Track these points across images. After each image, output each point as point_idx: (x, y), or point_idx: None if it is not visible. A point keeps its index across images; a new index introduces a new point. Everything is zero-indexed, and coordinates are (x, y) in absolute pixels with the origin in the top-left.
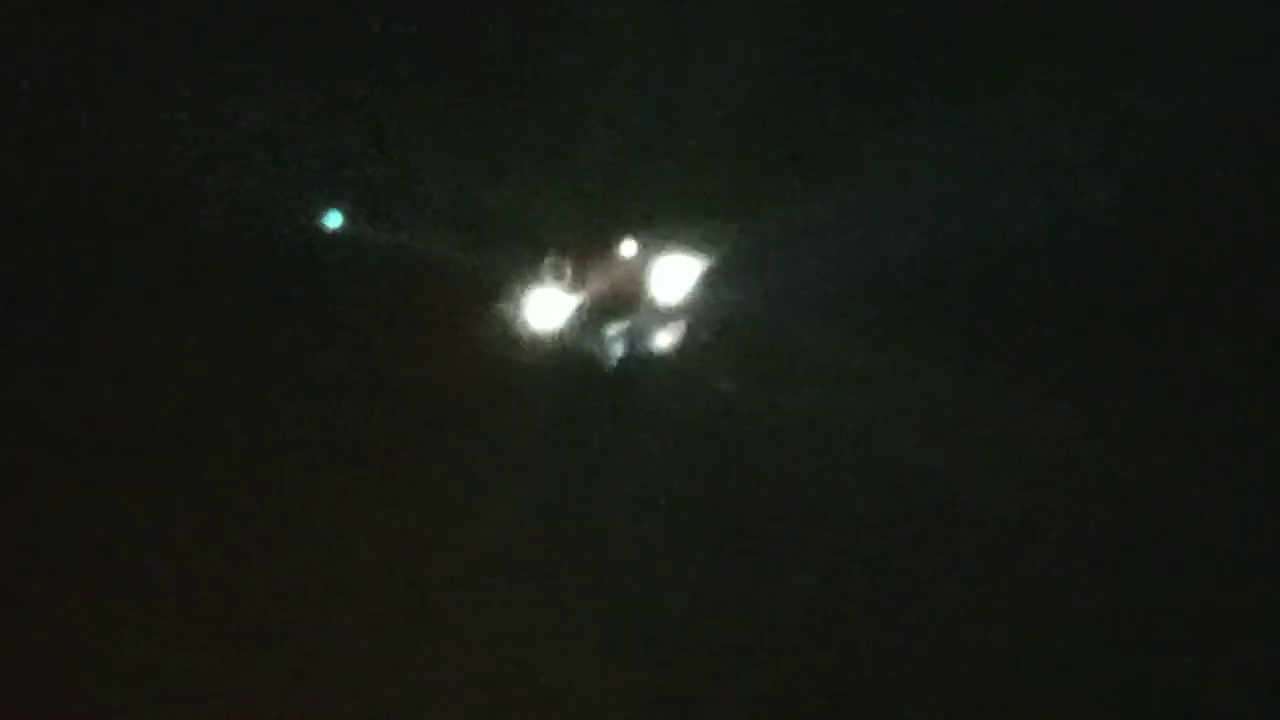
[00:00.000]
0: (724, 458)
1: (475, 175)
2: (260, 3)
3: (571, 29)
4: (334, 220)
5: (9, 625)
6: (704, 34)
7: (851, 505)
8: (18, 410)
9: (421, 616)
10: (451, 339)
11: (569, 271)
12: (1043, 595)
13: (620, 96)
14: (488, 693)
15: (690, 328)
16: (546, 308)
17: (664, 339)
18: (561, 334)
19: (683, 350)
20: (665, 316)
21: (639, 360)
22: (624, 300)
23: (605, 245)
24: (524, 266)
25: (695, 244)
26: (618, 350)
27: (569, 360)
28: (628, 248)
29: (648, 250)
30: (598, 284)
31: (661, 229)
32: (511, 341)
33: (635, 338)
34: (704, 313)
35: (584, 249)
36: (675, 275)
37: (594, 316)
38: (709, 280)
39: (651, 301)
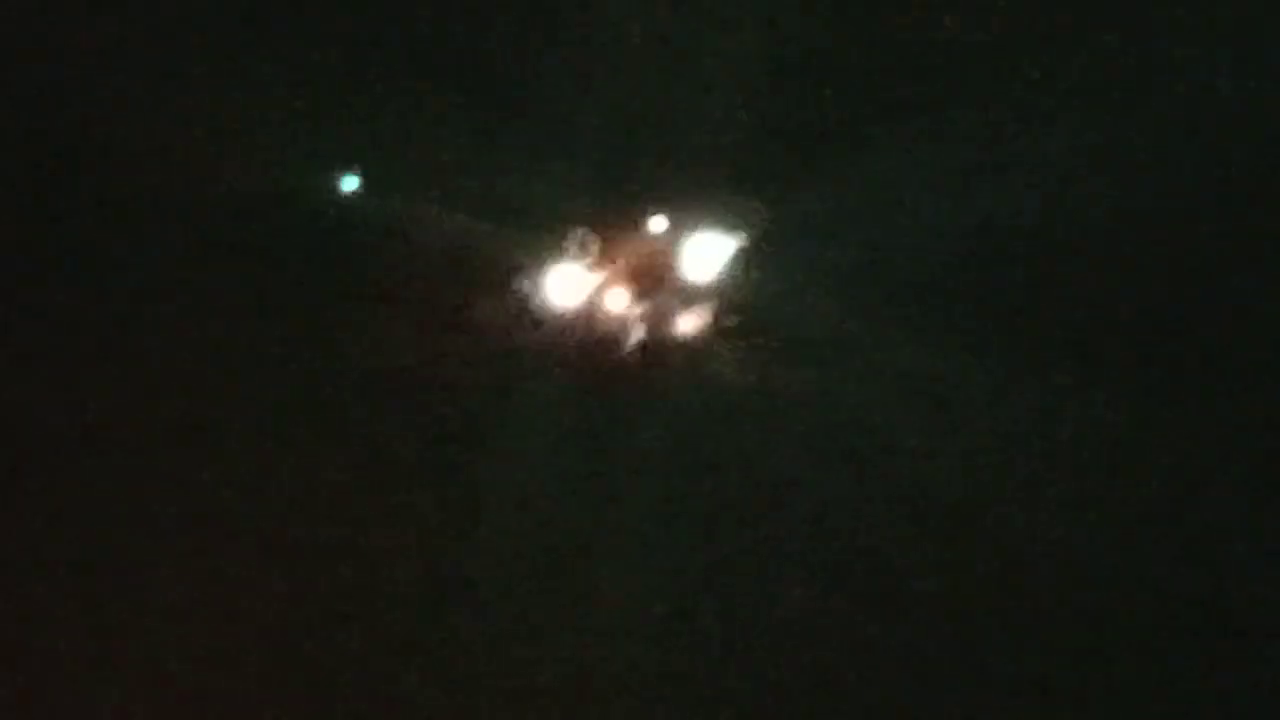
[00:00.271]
0: (745, 445)
1: (496, 156)
2: None
3: (600, 4)
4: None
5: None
6: (738, 11)
7: (876, 497)
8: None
9: (436, 608)
10: (468, 321)
11: (592, 251)
12: (1073, 592)
13: (649, 74)
14: (504, 685)
15: (714, 311)
16: (567, 289)
17: (687, 322)
18: (581, 315)
19: (706, 334)
20: (689, 299)
21: (660, 343)
22: (647, 282)
23: (629, 226)
24: (545, 247)
25: (722, 226)
26: (639, 332)
27: (589, 342)
28: (652, 228)
29: (673, 231)
30: (620, 265)
31: (687, 210)
32: (530, 323)
33: (658, 320)
34: (729, 296)
35: (607, 229)
36: (701, 257)
37: (615, 298)
38: (735, 263)
39: (675, 283)
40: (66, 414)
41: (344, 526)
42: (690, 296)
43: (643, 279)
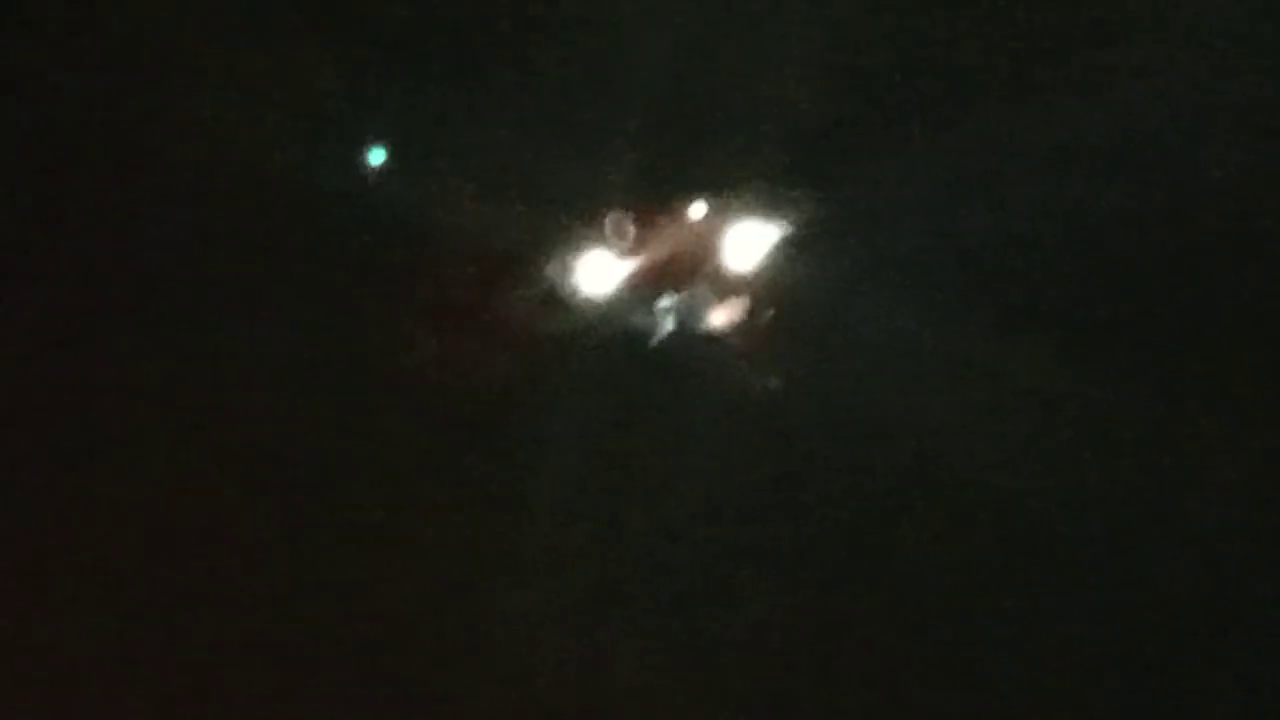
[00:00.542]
0: (783, 446)
1: (527, 134)
2: None
3: None
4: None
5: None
6: None
7: (920, 500)
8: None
9: (452, 614)
10: (491, 311)
11: (628, 236)
12: (1117, 594)
13: (695, 51)
14: (524, 691)
15: (753, 303)
16: (597, 277)
17: (723, 315)
18: (611, 306)
19: (743, 327)
20: (726, 290)
21: (694, 337)
22: (681, 271)
23: (664, 211)
24: (577, 232)
25: (764, 213)
26: (671, 325)
27: (618, 335)
28: (689, 214)
29: (711, 218)
30: (653, 252)
31: (728, 195)
32: (556, 315)
33: (692, 312)
34: (770, 288)
35: (641, 214)
36: (741, 246)
37: (648, 288)
38: (777, 253)
39: (712, 273)
40: (66, 405)
41: (360, 522)
42: (729, 287)
43: (680, 267)
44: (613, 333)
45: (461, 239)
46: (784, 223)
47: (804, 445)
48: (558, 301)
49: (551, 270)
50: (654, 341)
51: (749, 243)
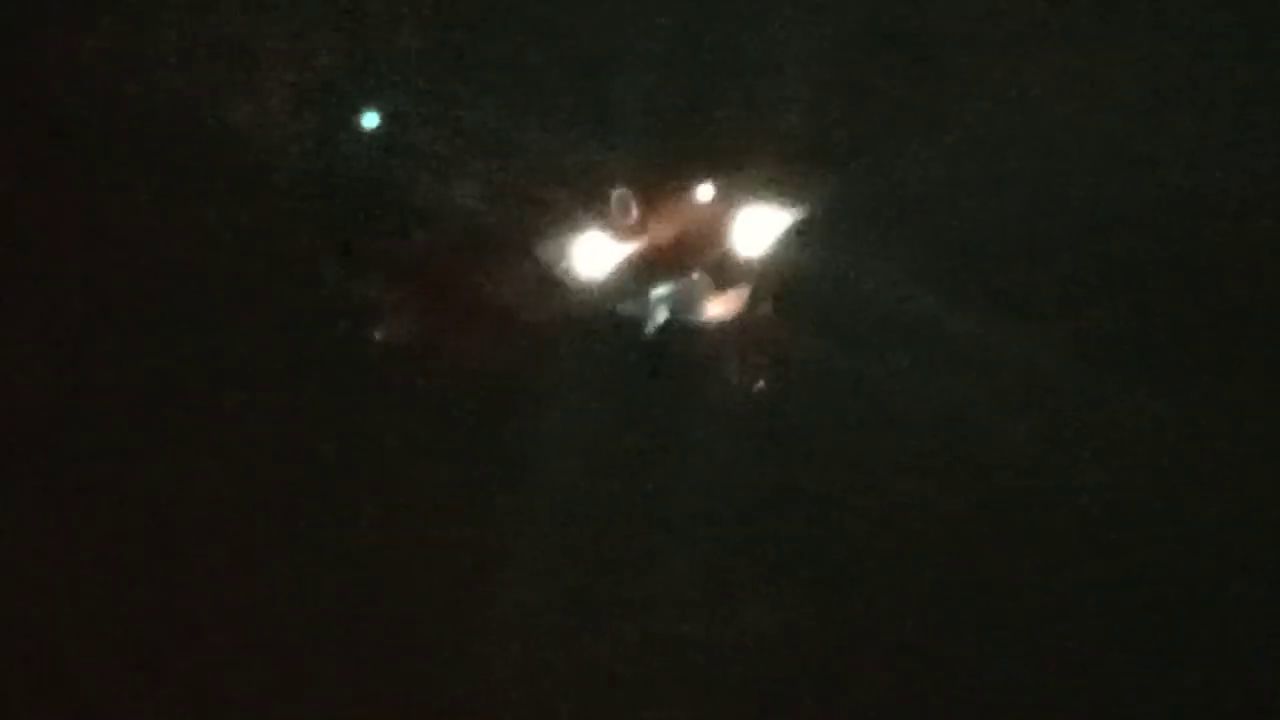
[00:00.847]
0: (792, 440)
1: (527, 106)
2: None
3: None
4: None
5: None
6: None
7: (940, 496)
8: None
9: (447, 612)
10: (489, 295)
11: (632, 214)
12: (1141, 584)
13: (710, 23)
14: (518, 690)
15: (758, 290)
16: (599, 261)
17: (727, 301)
18: (614, 290)
19: (747, 314)
20: (730, 275)
21: (700, 324)
22: (687, 255)
23: (671, 191)
24: (578, 209)
25: (777, 194)
26: (676, 311)
27: (620, 320)
28: (698, 195)
29: (721, 200)
30: (659, 234)
31: (739, 175)
32: (558, 299)
33: (697, 298)
34: (775, 274)
35: (645, 197)
36: (746, 231)
37: (652, 271)
38: (783, 238)
39: (717, 259)
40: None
41: (348, 513)
42: (734, 272)
43: (684, 252)
44: (615, 318)
45: (462, 223)
46: (791, 207)
47: (807, 435)
48: (559, 286)
49: (552, 254)
50: (656, 327)
51: (755, 228)
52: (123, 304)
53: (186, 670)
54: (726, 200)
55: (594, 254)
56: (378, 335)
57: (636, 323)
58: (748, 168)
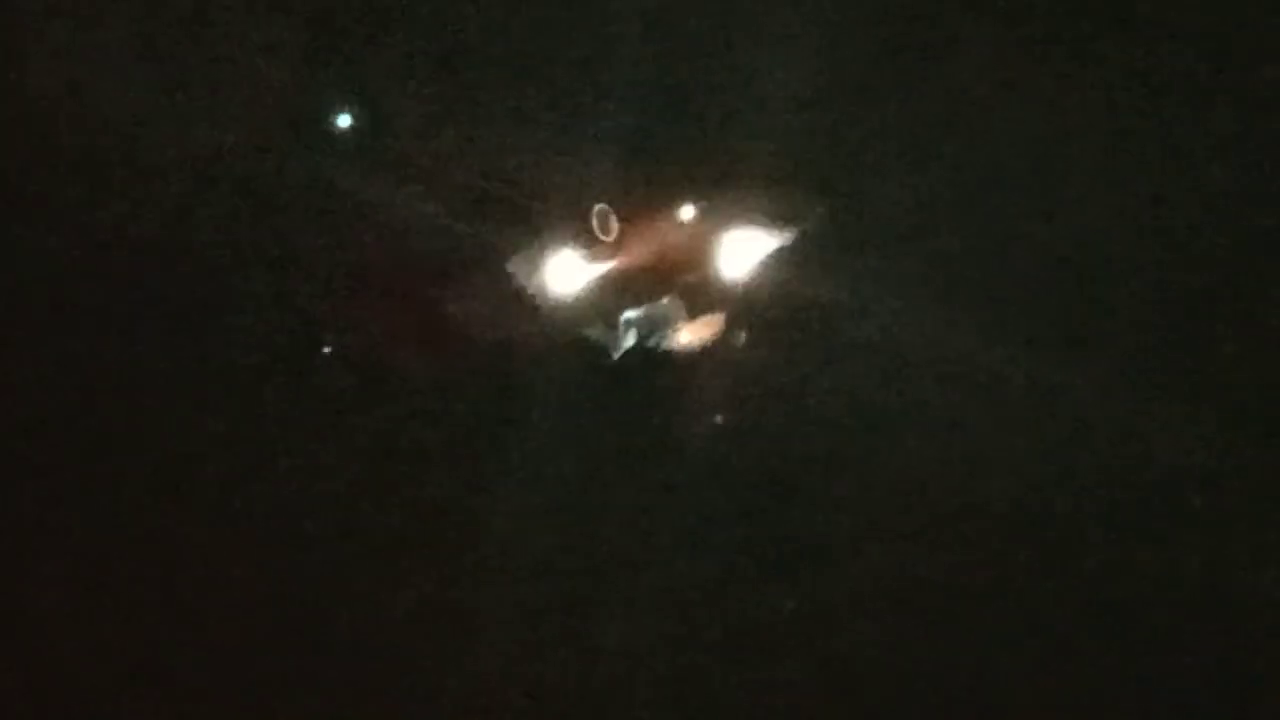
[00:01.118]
0: (775, 466)
1: (506, 131)
2: None
3: None
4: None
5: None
6: None
7: (929, 521)
8: None
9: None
10: (467, 316)
11: (612, 231)
12: (1151, 609)
13: (698, 33)
14: (499, 698)
15: (743, 311)
16: (575, 275)
17: (710, 323)
18: (593, 309)
19: (734, 339)
20: (713, 297)
21: (680, 348)
22: (664, 276)
23: (654, 209)
24: (554, 225)
25: (763, 217)
26: (645, 335)
27: (600, 343)
28: (681, 215)
29: (704, 220)
30: (636, 253)
31: (725, 199)
32: (536, 316)
33: (668, 322)
34: (761, 294)
35: (628, 210)
36: (731, 251)
37: (626, 292)
38: (776, 260)
39: (700, 279)
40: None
41: (329, 526)
42: (717, 294)
43: (661, 271)
44: (594, 337)
45: (438, 238)
46: (777, 228)
47: (792, 455)
48: (537, 303)
49: (529, 270)
50: (637, 347)
51: (740, 248)
52: (89, 308)
53: (186, 670)
54: (707, 222)
55: (568, 272)
56: (335, 347)
57: (602, 346)
58: (731, 189)
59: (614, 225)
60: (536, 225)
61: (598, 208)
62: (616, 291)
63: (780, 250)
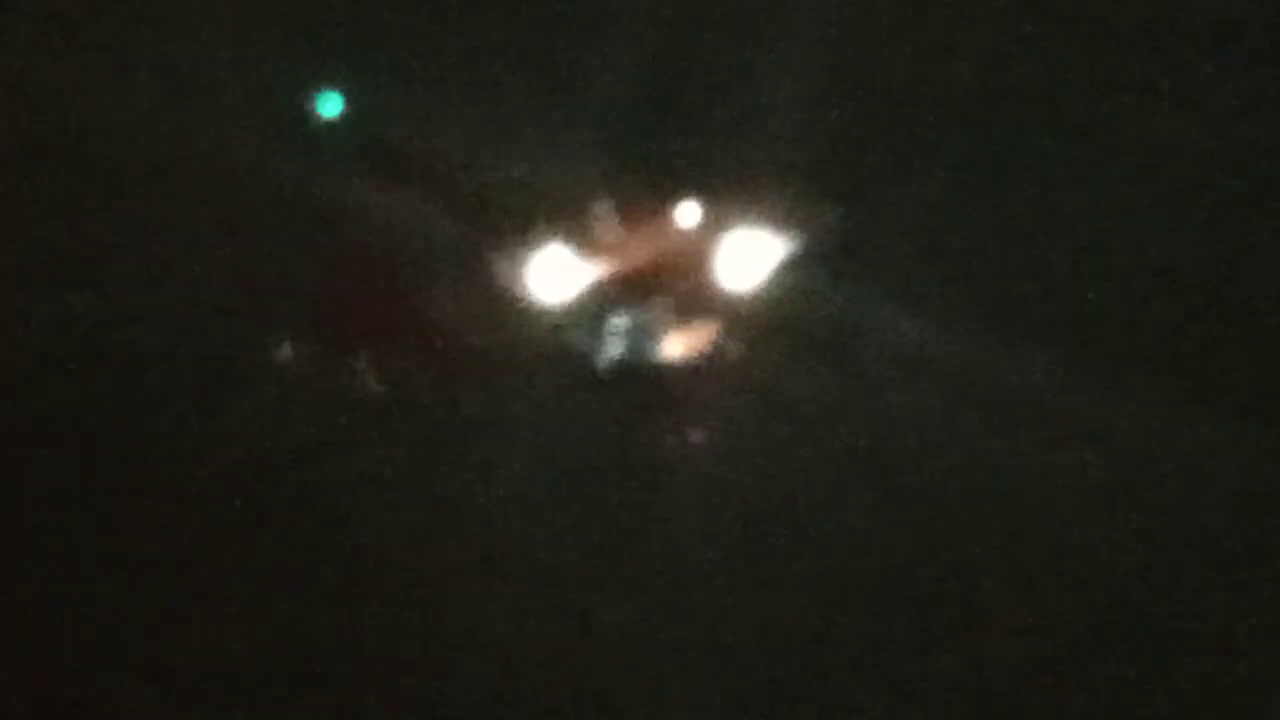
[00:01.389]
0: (778, 478)
1: (499, 113)
2: None
3: None
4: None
5: None
6: None
7: (933, 534)
8: None
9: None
10: (456, 320)
11: (612, 233)
12: (1147, 617)
13: (705, 29)
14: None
15: (747, 320)
16: (568, 278)
17: (708, 331)
18: (590, 316)
19: (734, 348)
20: (713, 304)
21: (676, 357)
22: (657, 282)
23: (653, 212)
24: (550, 225)
25: (769, 221)
26: (633, 344)
27: (596, 350)
28: (682, 219)
29: (707, 225)
30: (631, 257)
31: (731, 202)
32: (526, 323)
33: (656, 331)
34: (768, 303)
35: (627, 212)
36: (733, 257)
37: (617, 297)
38: (781, 266)
39: (700, 285)
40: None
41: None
42: (718, 301)
43: (662, 275)
44: (587, 346)
45: (422, 240)
46: (777, 231)
47: (794, 475)
48: (526, 308)
49: (520, 275)
50: (630, 356)
51: (742, 253)
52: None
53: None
54: (708, 226)
55: (557, 275)
56: (316, 351)
57: (588, 355)
58: (731, 190)
59: (613, 226)
60: (530, 227)
61: (596, 209)
62: (610, 296)
63: (781, 254)
